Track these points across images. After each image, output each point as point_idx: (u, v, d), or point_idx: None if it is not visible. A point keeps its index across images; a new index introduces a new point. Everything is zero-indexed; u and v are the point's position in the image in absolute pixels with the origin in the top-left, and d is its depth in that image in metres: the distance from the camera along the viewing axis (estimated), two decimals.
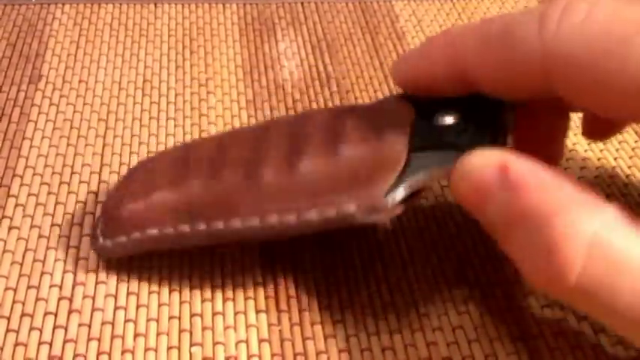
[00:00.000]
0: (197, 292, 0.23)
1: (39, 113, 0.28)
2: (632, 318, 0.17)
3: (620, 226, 0.17)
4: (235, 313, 0.22)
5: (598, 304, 0.17)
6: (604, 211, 0.17)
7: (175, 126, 0.29)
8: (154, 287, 0.23)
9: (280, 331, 0.22)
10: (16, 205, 0.25)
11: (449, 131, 0.21)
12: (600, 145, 0.29)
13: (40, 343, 0.21)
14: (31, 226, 0.24)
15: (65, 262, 0.23)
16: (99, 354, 0.21)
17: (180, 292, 0.23)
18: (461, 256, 0.24)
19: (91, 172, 0.26)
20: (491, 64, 0.19)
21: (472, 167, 0.19)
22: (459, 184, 0.19)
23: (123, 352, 0.21)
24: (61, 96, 0.29)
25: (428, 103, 0.21)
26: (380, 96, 0.31)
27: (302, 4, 0.36)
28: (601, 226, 0.17)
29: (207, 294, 0.23)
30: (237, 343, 0.21)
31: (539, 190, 0.17)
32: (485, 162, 0.19)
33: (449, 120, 0.21)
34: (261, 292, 0.23)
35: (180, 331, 0.22)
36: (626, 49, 0.17)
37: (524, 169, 0.18)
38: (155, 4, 0.35)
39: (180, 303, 0.22)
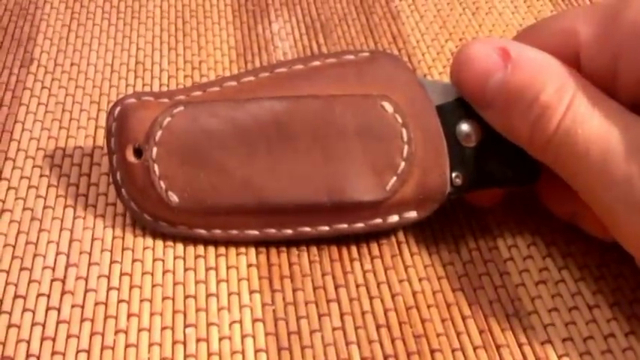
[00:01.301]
0: (191, 273, 0.23)
1: (31, 96, 0.28)
2: (596, 171, 0.20)
3: (592, 95, 0.21)
4: (229, 294, 0.22)
5: (569, 151, 0.20)
6: (585, 83, 0.21)
7: None
8: (147, 268, 0.23)
9: (274, 310, 0.22)
10: (9, 188, 0.25)
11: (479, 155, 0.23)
12: None
13: (33, 325, 0.21)
14: (24, 209, 0.24)
15: (58, 244, 0.23)
16: (92, 334, 0.21)
17: (174, 273, 0.22)
18: (455, 235, 0.24)
19: (83, 155, 0.26)
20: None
21: (474, 53, 0.22)
22: (460, 70, 0.22)
23: (116, 333, 0.21)
24: (52, 79, 0.29)
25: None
26: None
27: None
28: (580, 91, 0.20)
29: (201, 275, 0.23)
30: (231, 324, 0.21)
31: (532, 65, 0.21)
32: (485, 47, 0.21)
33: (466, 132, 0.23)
34: (254, 272, 0.23)
35: (174, 312, 0.21)
36: None
37: (521, 49, 0.21)
38: None
39: (174, 284, 0.22)
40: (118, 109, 0.23)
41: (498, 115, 0.22)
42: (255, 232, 0.23)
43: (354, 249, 0.24)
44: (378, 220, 0.23)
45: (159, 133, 0.22)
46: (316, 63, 0.24)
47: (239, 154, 0.22)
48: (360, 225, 0.23)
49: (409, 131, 0.22)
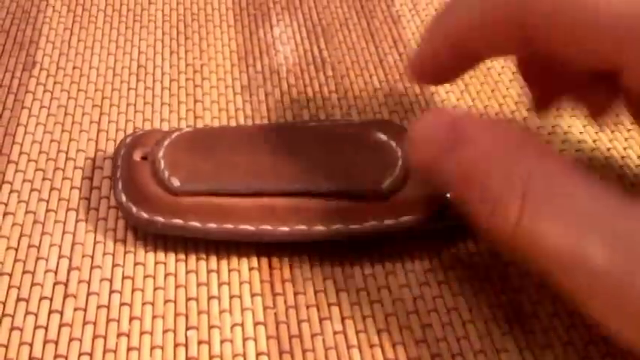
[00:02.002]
0: (192, 276, 0.23)
1: (33, 100, 0.28)
2: (558, 261, 0.17)
3: (552, 174, 0.18)
4: (231, 297, 0.22)
5: (535, 249, 0.18)
6: (542, 158, 0.18)
7: (170, 112, 0.29)
8: (149, 271, 0.23)
9: (275, 314, 0.22)
10: (11, 191, 0.25)
11: None
12: (596, 127, 0.29)
13: (35, 328, 0.21)
14: (26, 212, 0.24)
15: (60, 247, 0.23)
16: (94, 337, 0.21)
17: (175, 276, 0.23)
18: (456, 239, 0.24)
19: (85, 158, 0.26)
20: (476, 25, 0.21)
21: (424, 132, 0.20)
22: (414, 151, 0.21)
23: (118, 336, 0.21)
24: (55, 82, 0.29)
25: None
26: (375, 81, 0.31)
27: None
28: (536, 173, 0.18)
29: (203, 278, 0.23)
30: (232, 327, 0.21)
31: (485, 142, 0.19)
32: (434, 129, 0.20)
33: None
34: (256, 275, 0.23)
35: (176, 314, 0.22)
36: None
37: (471, 123, 0.19)
38: None
39: (176, 287, 0.22)
40: (130, 137, 0.25)
41: (459, 197, 0.20)
42: (250, 228, 0.23)
43: (355, 254, 0.24)
44: (373, 222, 0.23)
45: (167, 141, 0.24)
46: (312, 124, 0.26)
47: (243, 150, 0.24)
48: (355, 226, 0.23)
49: (403, 149, 0.23)
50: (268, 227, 0.23)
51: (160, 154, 0.23)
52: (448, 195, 0.23)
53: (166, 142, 0.24)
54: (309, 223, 0.23)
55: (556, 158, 0.19)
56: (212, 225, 0.23)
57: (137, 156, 0.24)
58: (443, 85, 0.31)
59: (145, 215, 0.23)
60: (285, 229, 0.23)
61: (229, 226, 0.23)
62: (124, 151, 0.24)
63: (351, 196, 0.23)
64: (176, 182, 0.22)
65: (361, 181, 0.23)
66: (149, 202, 0.23)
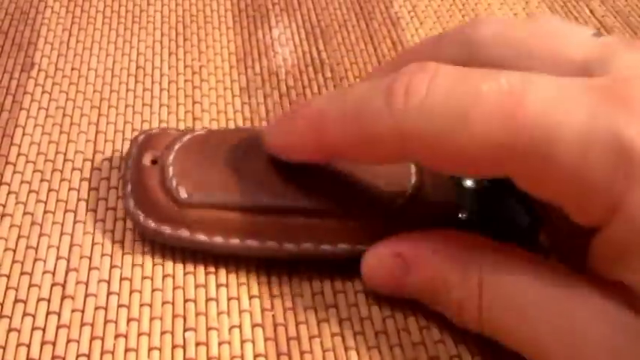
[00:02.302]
0: (191, 278, 0.23)
1: (31, 101, 0.28)
2: (518, 346, 0.19)
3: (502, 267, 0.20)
4: (229, 299, 0.22)
5: (502, 334, 0.20)
6: (490, 253, 0.20)
7: (169, 113, 0.29)
8: (147, 273, 0.23)
9: (273, 316, 0.22)
10: (9, 192, 0.25)
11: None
12: None
13: (33, 329, 0.21)
14: (24, 213, 0.24)
15: (58, 248, 0.23)
16: (92, 339, 0.21)
17: (173, 278, 0.23)
18: None
19: (84, 160, 0.26)
20: (351, 144, 0.20)
21: (374, 268, 0.22)
22: (371, 283, 0.22)
23: (116, 337, 0.21)
24: (53, 84, 0.29)
25: None
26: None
27: None
28: (486, 274, 0.20)
29: (201, 279, 0.23)
30: (230, 329, 0.21)
31: (429, 265, 0.21)
32: (382, 259, 0.21)
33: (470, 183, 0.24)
34: (254, 277, 0.23)
35: (174, 316, 0.22)
36: (464, 125, 0.18)
37: (416, 248, 0.21)
38: None
39: (174, 288, 0.22)
40: (142, 135, 0.25)
41: (430, 307, 0.21)
42: (256, 244, 0.22)
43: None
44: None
45: (178, 145, 0.23)
46: None
47: (256, 156, 0.23)
48: (363, 247, 0.22)
49: (417, 169, 0.23)
50: (275, 244, 0.22)
51: (170, 160, 0.23)
52: (461, 216, 0.23)
53: (177, 147, 0.23)
54: (318, 241, 0.22)
55: (505, 248, 0.20)
56: (218, 239, 0.22)
57: (147, 160, 0.23)
58: None
59: (152, 224, 0.22)
60: (291, 246, 0.22)
61: (236, 241, 0.22)
62: (134, 151, 0.24)
63: (361, 217, 0.22)
64: (183, 193, 0.22)
65: (372, 201, 0.22)
66: (156, 211, 0.22)
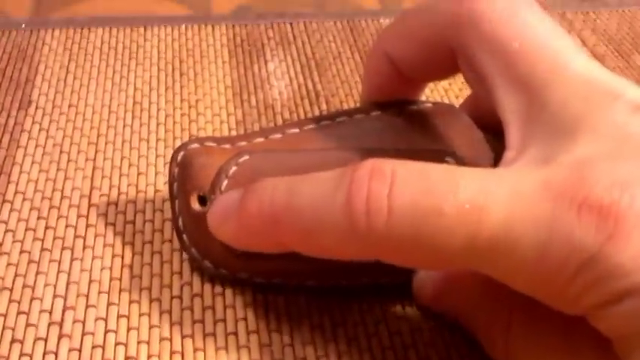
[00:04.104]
0: (188, 314, 0.23)
1: (29, 139, 0.29)
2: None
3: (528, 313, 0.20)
4: (227, 334, 0.22)
5: None
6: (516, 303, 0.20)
7: (165, 147, 0.29)
8: (145, 309, 0.22)
9: (272, 351, 0.22)
10: (6, 230, 0.25)
11: None
12: None
13: None
14: (21, 252, 0.24)
15: (55, 286, 0.23)
16: None
17: (170, 314, 0.22)
18: None
19: (80, 196, 0.26)
20: (310, 248, 0.20)
21: (424, 284, 0.22)
22: (421, 297, 0.23)
23: None
24: (50, 121, 0.29)
25: None
26: None
27: (290, 24, 0.37)
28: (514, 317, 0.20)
29: (198, 315, 0.22)
30: None
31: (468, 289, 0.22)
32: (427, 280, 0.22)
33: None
34: (252, 312, 0.23)
35: (172, 352, 0.21)
36: (429, 242, 0.18)
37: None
38: (145, 27, 0.35)
39: (171, 325, 0.22)
40: (181, 154, 0.23)
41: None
42: (314, 283, 0.23)
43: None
44: None
45: (225, 183, 0.22)
46: (359, 116, 0.24)
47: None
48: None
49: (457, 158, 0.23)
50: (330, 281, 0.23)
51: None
52: None
53: (224, 186, 0.22)
54: (371, 275, 0.22)
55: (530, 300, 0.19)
56: (277, 281, 0.23)
57: (194, 203, 0.23)
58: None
59: (211, 266, 0.23)
60: (345, 282, 0.23)
61: (294, 282, 0.23)
62: (179, 198, 0.23)
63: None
64: (238, 250, 0.22)
65: None
66: (214, 255, 0.23)
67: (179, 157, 0.23)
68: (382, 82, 0.24)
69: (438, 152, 0.23)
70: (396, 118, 0.24)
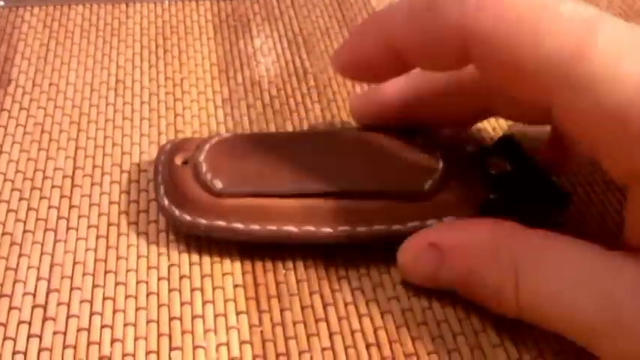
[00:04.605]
0: (176, 295, 0.22)
1: (9, 118, 0.28)
2: (558, 323, 0.20)
3: (538, 248, 0.20)
4: (215, 316, 0.22)
5: (540, 318, 0.20)
6: (524, 239, 0.21)
7: (150, 126, 0.28)
8: (131, 291, 0.22)
9: (262, 332, 0.21)
10: None
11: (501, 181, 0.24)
12: None
13: (14, 353, 0.20)
14: (3, 234, 0.23)
15: (38, 269, 0.22)
16: None
17: (158, 296, 0.22)
18: None
19: (63, 176, 0.26)
20: (416, 38, 0.20)
21: (410, 260, 0.22)
22: (408, 274, 0.22)
23: (100, 359, 0.20)
24: (31, 100, 0.29)
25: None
26: (358, 90, 0.30)
27: None
28: (521, 256, 0.20)
29: (187, 296, 0.22)
30: (217, 346, 0.21)
31: (464, 253, 0.21)
32: (418, 251, 0.22)
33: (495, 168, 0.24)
34: (241, 293, 0.22)
35: (159, 335, 0.21)
36: (536, 38, 0.18)
37: (449, 238, 0.22)
38: (127, 4, 0.35)
39: (159, 306, 0.22)
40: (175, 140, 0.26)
41: (466, 296, 0.22)
42: (294, 229, 0.22)
43: (341, 267, 0.23)
44: (416, 223, 0.23)
45: (208, 145, 0.24)
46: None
47: (284, 153, 0.24)
48: (398, 227, 0.23)
49: (442, 153, 0.24)
50: (311, 228, 0.22)
51: (202, 157, 0.23)
52: (491, 196, 0.23)
53: (207, 147, 0.24)
54: (353, 224, 0.23)
55: (538, 233, 0.20)
56: (255, 226, 0.22)
57: (179, 161, 0.24)
58: None
59: (187, 218, 0.23)
60: (329, 230, 0.23)
61: (272, 227, 0.22)
62: (164, 157, 0.24)
63: (394, 197, 0.23)
64: (219, 184, 0.23)
65: (403, 182, 0.23)
66: (192, 204, 0.23)
67: (167, 146, 0.25)
68: (379, 68, 0.23)
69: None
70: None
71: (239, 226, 0.22)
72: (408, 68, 0.22)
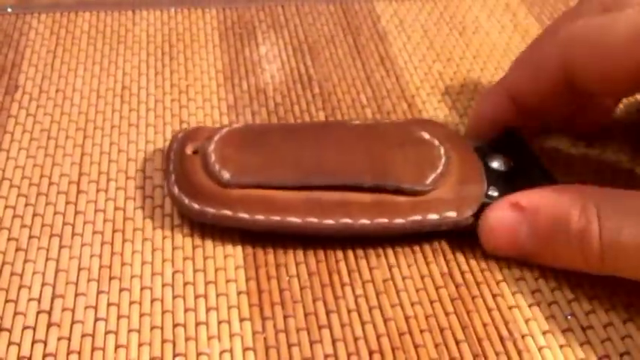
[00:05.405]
0: (180, 301, 0.22)
1: (15, 124, 0.28)
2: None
3: (616, 197, 0.22)
4: (219, 322, 0.22)
5: (625, 263, 0.21)
6: (600, 190, 0.22)
7: (155, 133, 0.28)
8: (135, 297, 0.22)
9: (265, 338, 0.21)
10: None
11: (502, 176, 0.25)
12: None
13: (19, 358, 0.20)
14: (9, 239, 0.24)
15: (44, 274, 0.23)
16: None
17: (162, 302, 0.22)
18: (447, 257, 0.24)
19: (69, 182, 0.26)
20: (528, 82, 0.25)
21: (494, 220, 0.23)
22: (490, 242, 0.23)
23: None
24: (38, 106, 0.29)
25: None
26: (362, 98, 0.31)
27: (282, 6, 0.36)
28: (602, 202, 0.21)
29: (190, 303, 0.22)
30: (221, 353, 0.21)
31: (548, 204, 0.22)
32: (500, 210, 0.23)
33: (497, 165, 0.25)
34: (245, 300, 0.22)
35: (163, 341, 0.21)
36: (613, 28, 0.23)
37: (529, 196, 0.23)
38: (133, 11, 0.35)
39: (163, 313, 0.22)
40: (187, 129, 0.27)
41: (546, 258, 0.23)
42: (297, 220, 0.23)
43: (344, 273, 0.23)
44: (418, 217, 0.23)
45: (217, 136, 0.25)
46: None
47: (291, 145, 0.25)
48: (399, 221, 0.23)
49: (446, 148, 0.25)
50: (314, 220, 0.23)
51: (211, 148, 0.24)
52: (491, 192, 0.24)
53: (216, 138, 0.25)
54: (355, 216, 0.23)
55: (612, 189, 0.22)
56: (260, 217, 0.23)
57: (189, 150, 0.25)
58: (428, 97, 0.30)
59: (196, 206, 0.23)
60: (331, 221, 0.23)
61: (276, 218, 0.23)
62: (176, 145, 0.25)
63: (397, 191, 0.23)
64: (226, 175, 0.23)
65: (406, 177, 0.24)
66: (200, 193, 0.23)
67: (180, 135, 0.26)
68: (497, 116, 0.26)
69: (412, 126, 0.26)
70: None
71: (244, 215, 0.23)
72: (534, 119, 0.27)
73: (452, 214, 0.23)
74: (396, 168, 0.24)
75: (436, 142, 0.25)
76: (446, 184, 0.24)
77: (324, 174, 0.23)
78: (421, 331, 0.22)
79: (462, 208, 0.23)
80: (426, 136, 0.25)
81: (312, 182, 0.23)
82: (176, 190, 0.24)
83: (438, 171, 0.24)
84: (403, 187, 0.23)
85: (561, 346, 0.21)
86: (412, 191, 0.23)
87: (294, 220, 0.23)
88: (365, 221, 0.23)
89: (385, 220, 0.23)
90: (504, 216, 0.23)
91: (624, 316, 0.22)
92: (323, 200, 0.23)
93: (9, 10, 0.34)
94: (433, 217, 0.23)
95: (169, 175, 0.24)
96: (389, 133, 0.25)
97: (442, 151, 0.24)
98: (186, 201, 0.23)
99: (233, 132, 0.25)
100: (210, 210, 0.23)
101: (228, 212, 0.23)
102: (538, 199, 0.23)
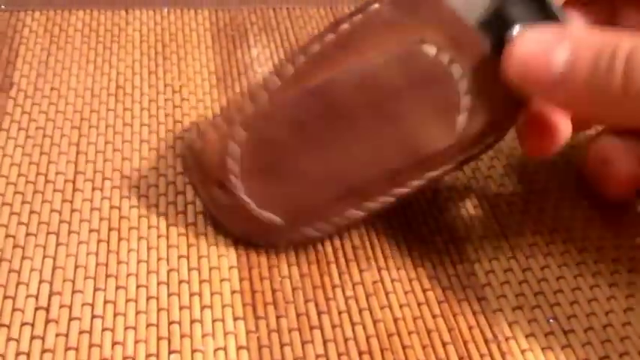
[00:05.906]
0: (175, 300, 0.23)
1: (11, 122, 0.28)
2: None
3: None
4: (213, 321, 0.22)
5: None
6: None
7: (150, 132, 0.29)
8: (131, 295, 0.23)
9: (258, 337, 0.22)
10: None
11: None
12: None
13: (17, 354, 0.21)
14: (6, 236, 0.24)
15: (41, 272, 0.23)
16: None
17: (157, 300, 0.23)
18: (434, 262, 0.25)
19: (65, 181, 0.26)
20: None
21: (529, 41, 0.21)
22: (517, 65, 0.21)
23: None
24: (33, 104, 0.29)
25: None
26: None
27: (274, 9, 0.37)
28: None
29: (185, 301, 0.23)
30: (215, 351, 0.21)
31: (593, 34, 0.21)
32: (537, 33, 0.21)
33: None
34: (238, 299, 0.23)
35: (159, 338, 0.22)
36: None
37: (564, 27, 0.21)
38: (126, 10, 0.35)
39: (158, 310, 0.22)
40: (185, 151, 0.25)
41: (577, 87, 0.21)
42: (360, 213, 0.23)
43: (335, 275, 0.24)
44: (450, 166, 0.23)
45: (238, 167, 0.23)
46: (345, 26, 0.23)
47: (309, 153, 0.23)
48: (431, 173, 0.23)
49: (460, 66, 0.22)
50: (360, 212, 0.23)
51: (242, 191, 0.23)
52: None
53: (238, 170, 0.23)
54: (406, 186, 0.23)
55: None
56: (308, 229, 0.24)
57: (216, 191, 0.24)
58: None
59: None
60: (386, 198, 0.23)
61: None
62: (201, 190, 0.24)
63: (426, 159, 0.23)
64: (278, 220, 0.24)
65: (434, 139, 0.23)
66: (265, 234, 0.24)
67: (184, 151, 0.25)
68: None
69: (410, 45, 0.22)
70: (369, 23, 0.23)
71: (311, 230, 0.24)
72: None
73: (490, 139, 0.23)
74: (421, 131, 0.23)
75: (445, 60, 0.22)
76: (476, 114, 0.22)
77: (356, 173, 0.23)
78: (409, 333, 0.22)
79: (499, 129, 0.23)
80: (431, 51, 0.22)
81: (350, 186, 0.23)
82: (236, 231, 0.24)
83: (463, 107, 0.22)
84: (432, 153, 0.23)
85: (543, 349, 0.22)
86: (441, 153, 0.23)
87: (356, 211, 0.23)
88: (417, 182, 0.23)
89: (420, 181, 0.23)
90: (541, 31, 0.21)
91: (604, 320, 0.23)
92: (363, 193, 0.23)
93: (2, 7, 0.34)
94: (461, 157, 0.23)
95: (212, 216, 0.25)
96: (392, 73, 0.22)
97: (455, 72, 0.22)
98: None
99: (244, 155, 0.23)
100: (281, 241, 0.24)
101: (294, 238, 0.24)
102: (584, 28, 0.22)
